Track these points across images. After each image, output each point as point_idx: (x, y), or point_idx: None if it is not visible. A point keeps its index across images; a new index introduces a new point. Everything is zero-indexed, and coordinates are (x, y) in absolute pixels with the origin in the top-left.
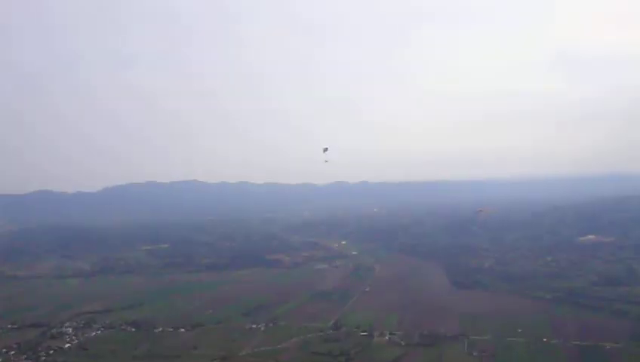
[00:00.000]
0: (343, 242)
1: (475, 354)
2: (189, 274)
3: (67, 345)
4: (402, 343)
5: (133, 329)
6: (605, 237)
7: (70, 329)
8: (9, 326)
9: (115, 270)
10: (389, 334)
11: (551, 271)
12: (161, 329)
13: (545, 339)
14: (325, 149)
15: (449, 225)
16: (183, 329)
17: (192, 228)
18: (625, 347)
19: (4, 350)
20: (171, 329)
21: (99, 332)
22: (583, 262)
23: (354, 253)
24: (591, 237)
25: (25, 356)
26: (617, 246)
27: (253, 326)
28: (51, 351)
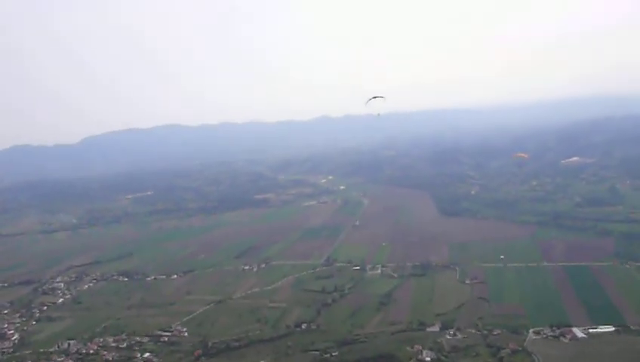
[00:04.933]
0: (330, 177)
1: (467, 281)
2: (178, 221)
3: (60, 300)
4: (395, 275)
5: (126, 279)
6: (588, 158)
7: (62, 284)
8: None
9: (101, 221)
10: (382, 267)
11: (536, 195)
12: (153, 277)
13: (533, 263)
14: (374, 98)
15: (434, 155)
16: (175, 276)
17: (176, 174)
18: (610, 265)
19: None
20: (164, 277)
21: (91, 284)
22: (567, 185)
23: (341, 187)
24: (574, 159)
25: (19, 314)
26: (600, 166)
27: (246, 267)
28: (45, 307)
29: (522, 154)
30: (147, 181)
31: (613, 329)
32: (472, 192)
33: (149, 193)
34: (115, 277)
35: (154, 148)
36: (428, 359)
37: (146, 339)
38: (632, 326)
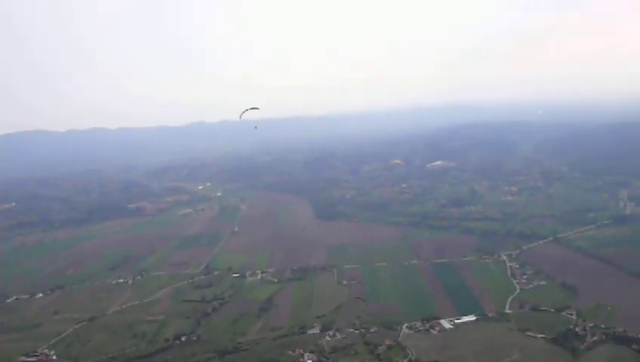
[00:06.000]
0: (208, 184)
1: (344, 282)
2: (43, 234)
3: None
4: (275, 280)
5: None
6: (450, 162)
7: None
8: None
9: None
10: (261, 273)
11: (406, 197)
12: (14, 298)
13: (405, 262)
14: (249, 109)
15: (310, 161)
16: (40, 295)
17: (41, 183)
18: (472, 259)
19: None
20: (27, 297)
21: None
22: (433, 187)
23: (218, 194)
24: (438, 163)
25: None
26: (460, 169)
27: (121, 280)
28: None
29: (397, 161)
30: (6, 191)
31: (474, 318)
32: (347, 196)
33: (10, 204)
34: None
35: (13, 156)
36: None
37: None
38: (489, 314)
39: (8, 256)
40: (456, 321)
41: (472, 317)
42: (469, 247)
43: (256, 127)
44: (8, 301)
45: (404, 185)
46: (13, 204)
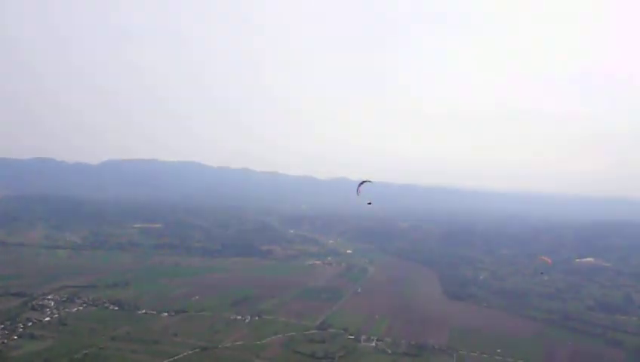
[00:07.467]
0: (339, 239)
1: None
2: (180, 257)
3: (47, 319)
4: (389, 351)
5: (116, 309)
6: (604, 261)
7: (52, 303)
8: None
9: (105, 245)
10: (377, 340)
11: (546, 291)
12: (144, 311)
13: None
14: (363, 183)
15: (446, 233)
16: (165, 314)
17: (188, 211)
18: None
19: None
20: (154, 313)
21: (81, 308)
22: (580, 285)
23: (348, 251)
24: (589, 259)
25: (2, 326)
26: (615, 271)
27: (238, 317)
28: (30, 323)
29: (547, 259)
30: (158, 213)
31: None
32: (481, 277)
33: (158, 225)
34: (106, 305)
35: (171, 182)
36: None
37: None
38: None
39: (147, 271)
40: None
41: None
42: None
43: (369, 203)
44: (138, 312)
45: (545, 277)
46: (160, 225)
